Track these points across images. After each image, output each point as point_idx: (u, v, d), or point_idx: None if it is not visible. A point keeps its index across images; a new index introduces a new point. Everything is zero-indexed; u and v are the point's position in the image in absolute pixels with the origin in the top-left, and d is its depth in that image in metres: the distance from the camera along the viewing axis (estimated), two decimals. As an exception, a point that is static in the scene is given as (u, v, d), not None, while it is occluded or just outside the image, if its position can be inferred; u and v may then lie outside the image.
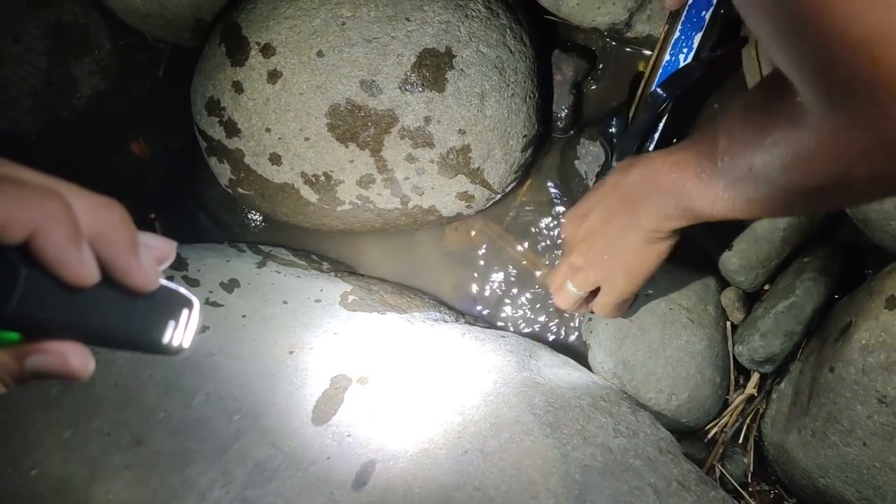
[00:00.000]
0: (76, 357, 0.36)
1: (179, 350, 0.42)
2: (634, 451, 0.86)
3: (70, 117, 1.23)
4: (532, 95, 1.02)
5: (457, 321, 1.07)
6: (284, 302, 1.04)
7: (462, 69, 0.97)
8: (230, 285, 1.06)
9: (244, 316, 1.02)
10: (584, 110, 1.12)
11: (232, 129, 1.03)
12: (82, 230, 0.34)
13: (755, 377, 1.02)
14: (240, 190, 1.09)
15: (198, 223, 1.22)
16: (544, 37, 1.08)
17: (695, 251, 1.07)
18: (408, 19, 0.96)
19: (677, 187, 0.72)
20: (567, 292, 0.90)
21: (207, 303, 1.04)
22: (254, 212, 1.20)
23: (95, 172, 1.24)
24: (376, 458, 0.87)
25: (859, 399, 0.83)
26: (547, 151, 1.13)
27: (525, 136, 1.03)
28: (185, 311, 0.42)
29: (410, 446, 0.88)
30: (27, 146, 1.22)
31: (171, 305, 0.41)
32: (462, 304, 1.14)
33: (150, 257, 0.38)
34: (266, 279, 1.07)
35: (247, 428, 0.91)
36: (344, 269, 1.16)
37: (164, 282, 0.40)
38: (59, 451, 0.90)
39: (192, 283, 1.06)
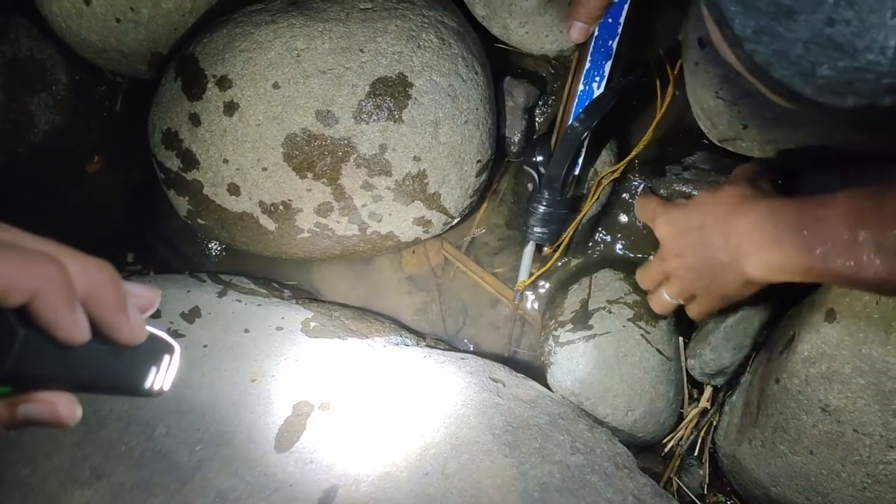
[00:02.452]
0: (65, 406, 0.39)
1: (160, 393, 0.45)
2: (591, 467, 0.88)
3: (27, 153, 1.23)
4: (485, 122, 1.05)
5: (417, 344, 1.09)
6: (246, 330, 1.05)
7: (416, 98, 0.99)
8: (191, 315, 1.07)
9: (205, 346, 1.03)
10: (536, 135, 1.15)
11: (190, 160, 1.04)
12: (76, 292, 0.36)
13: (708, 390, 1.05)
14: (199, 220, 1.10)
15: (158, 254, 1.22)
16: (496, 64, 1.11)
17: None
18: (361, 50, 0.99)
19: (813, 244, 0.68)
20: (662, 300, 0.95)
21: (168, 333, 1.04)
22: (213, 241, 1.20)
23: (54, 207, 1.24)
24: (339, 484, 0.88)
25: (804, 409, 0.86)
26: (502, 175, 1.16)
27: (479, 161, 1.05)
28: (166, 357, 0.45)
29: (372, 470, 0.89)
30: (-16, 182, 1.22)
31: (154, 352, 0.44)
32: (422, 327, 1.15)
33: (135, 310, 0.41)
34: (227, 308, 1.08)
35: (208, 458, 0.91)
36: (305, 295, 1.17)
37: (150, 329, 0.42)
38: (17, 488, 0.89)
39: (152, 314, 1.06)
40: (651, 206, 0.96)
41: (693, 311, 0.94)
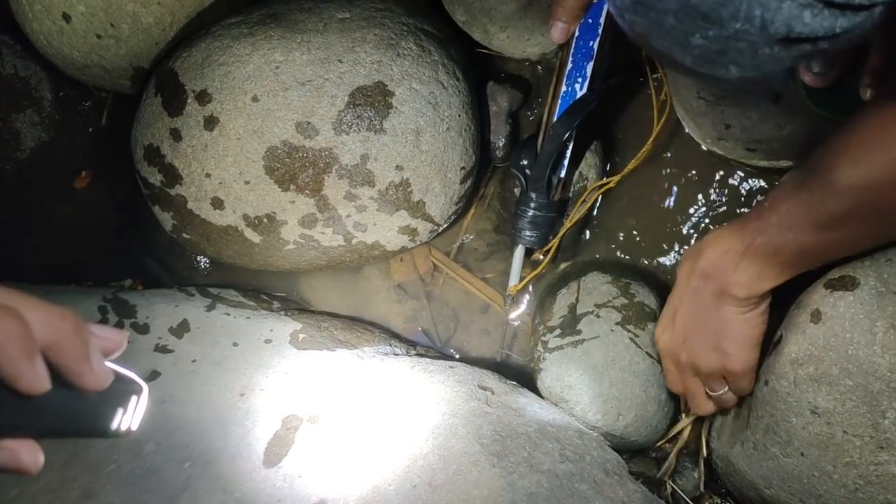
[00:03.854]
0: (26, 454, 0.39)
1: (128, 434, 0.45)
2: (580, 475, 0.87)
3: (14, 169, 1.23)
4: (468, 128, 1.04)
5: (407, 353, 1.08)
6: (234, 344, 1.05)
7: (396, 107, 0.99)
8: (180, 330, 1.07)
9: (194, 360, 1.03)
10: (521, 138, 1.14)
11: (172, 175, 1.04)
12: (36, 343, 0.37)
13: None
14: (184, 235, 1.10)
15: (146, 269, 1.22)
16: (478, 70, 1.10)
17: (634, 271, 1.09)
18: (340, 61, 0.98)
19: (774, 242, 0.76)
20: (710, 401, 0.94)
21: (157, 349, 1.04)
22: (200, 255, 1.20)
23: (42, 223, 1.24)
24: (327, 498, 0.87)
25: (793, 411, 0.85)
26: (488, 180, 1.15)
27: (463, 168, 1.05)
28: (133, 397, 0.44)
29: (361, 484, 0.88)
30: (-29, 201, 1.22)
31: (120, 393, 0.44)
32: (412, 336, 1.15)
33: (99, 356, 0.41)
34: (216, 322, 1.08)
35: (197, 475, 0.91)
36: (294, 306, 1.16)
37: (117, 368, 0.42)
38: (6, 510, 0.89)
39: (141, 329, 1.06)
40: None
41: (733, 392, 0.92)
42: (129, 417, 0.44)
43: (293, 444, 0.94)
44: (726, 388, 0.91)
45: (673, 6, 0.47)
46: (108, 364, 0.42)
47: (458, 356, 1.14)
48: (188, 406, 0.98)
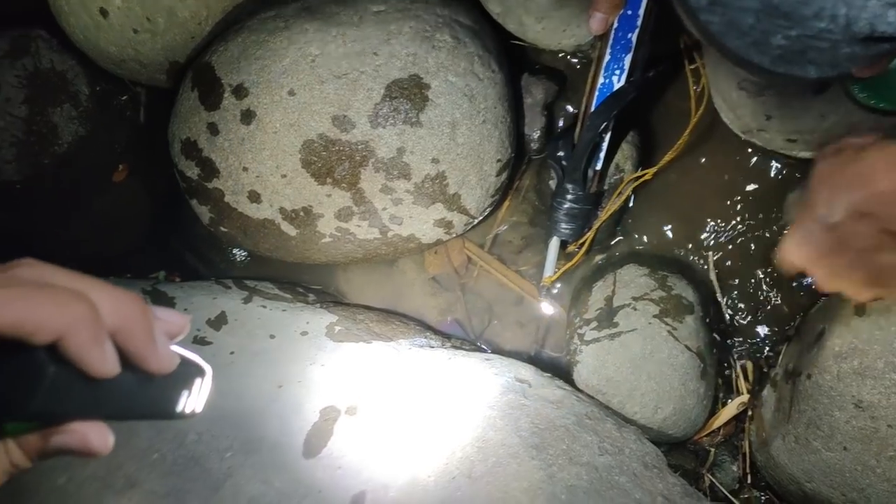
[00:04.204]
0: (96, 436, 0.39)
1: (193, 416, 0.45)
2: (619, 468, 0.87)
3: (53, 164, 1.24)
4: (503, 120, 1.04)
5: (442, 346, 1.09)
6: (271, 336, 1.06)
7: (432, 99, 0.98)
8: (218, 322, 1.08)
9: (232, 352, 1.04)
10: (556, 131, 1.13)
11: (210, 169, 1.05)
12: (105, 327, 0.37)
13: (741, 385, 1.03)
14: (221, 228, 1.11)
15: (184, 262, 1.23)
16: (513, 62, 1.09)
17: (670, 264, 1.08)
18: (375, 54, 0.98)
19: None
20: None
21: (195, 341, 1.05)
22: (237, 248, 1.21)
23: (81, 217, 1.25)
24: (367, 489, 0.88)
25: (837, 405, 0.84)
26: (523, 173, 1.15)
27: (499, 160, 1.04)
28: (198, 380, 0.45)
29: (400, 475, 0.89)
30: (12, 196, 1.24)
31: (185, 376, 0.44)
32: (447, 328, 1.15)
33: (164, 339, 0.41)
34: (253, 314, 1.09)
35: (238, 465, 0.92)
36: (329, 299, 1.17)
37: (180, 351, 0.43)
38: (54, 497, 0.91)
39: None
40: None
41: None
42: (194, 399, 0.45)
43: (332, 436, 0.95)
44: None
45: (754, 5, 0.46)
46: (173, 347, 0.43)
47: (492, 349, 1.14)
48: (227, 397, 0.99)
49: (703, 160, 1.09)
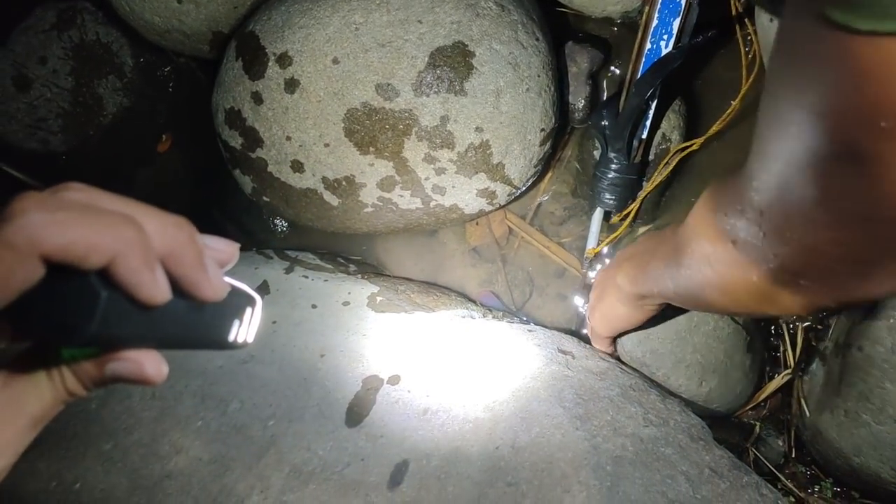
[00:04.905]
0: (151, 364, 0.39)
1: (244, 345, 0.45)
2: (665, 439, 0.86)
3: (97, 135, 1.26)
4: (547, 89, 1.02)
5: (484, 317, 1.08)
6: (313, 306, 1.06)
7: (476, 67, 0.97)
8: (260, 291, 1.07)
9: (274, 322, 1.04)
10: (601, 99, 1.12)
11: (253, 139, 1.05)
12: (155, 252, 0.36)
13: (788, 358, 1.01)
14: (264, 198, 1.11)
15: (225, 232, 1.24)
16: (557, 29, 1.08)
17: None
18: (419, 21, 0.97)
19: (650, 251, 0.83)
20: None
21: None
22: (279, 218, 1.21)
23: (124, 188, 1.27)
24: (409, 458, 0.88)
25: (889, 377, 0.82)
26: (566, 143, 1.13)
27: (543, 129, 1.03)
28: (248, 310, 0.44)
29: (443, 444, 0.89)
30: (57, 166, 1.25)
31: (236, 306, 0.44)
32: (492, 300, 1.14)
33: (215, 266, 0.40)
34: (294, 284, 1.09)
35: (281, 433, 0.92)
36: (370, 270, 1.17)
37: (230, 280, 0.42)
38: (100, 463, 0.92)
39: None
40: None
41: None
42: (245, 329, 0.44)
43: (374, 405, 0.95)
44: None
45: None
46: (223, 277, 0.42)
47: (533, 321, 1.13)
48: (270, 366, 0.99)
49: (752, 130, 1.06)
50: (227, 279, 0.42)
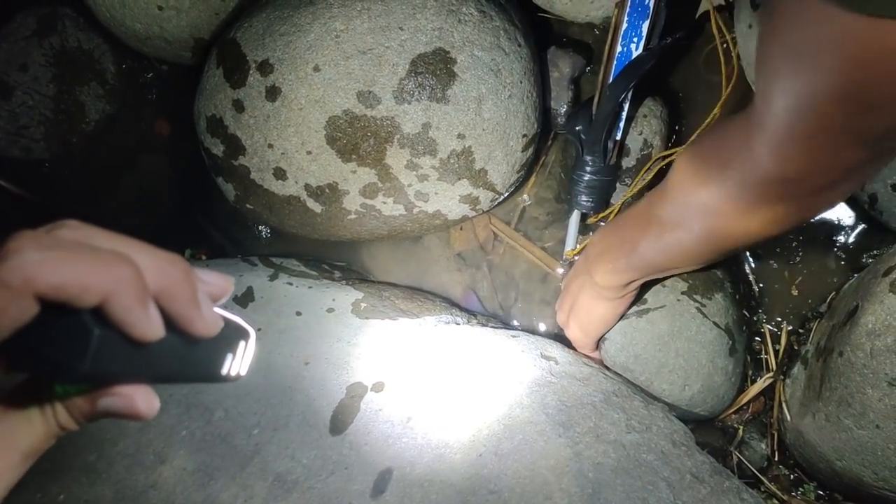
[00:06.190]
0: (142, 399, 0.39)
1: (237, 378, 0.45)
2: (647, 445, 0.87)
3: (80, 142, 1.25)
4: (529, 95, 1.02)
5: (468, 323, 1.08)
6: (298, 313, 1.06)
7: (457, 74, 0.97)
8: (244, 299, 1.08)
9: (259, 329, 1.04)
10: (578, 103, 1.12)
11: (235, 146, 1.05)
12: (149, 290, 0.37)
13: (771, 361, 1.02)
14: (247, 205, 1.11)
15: (209, 239, 1.24)
16: (539, 35, 1.08)
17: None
18: (401, 28, 0.97)
19: (625, 238, 0.86)
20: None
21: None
22: (263, 225, 1.21)
23: (108, 194, 1.26)
24: (393, 466, 0.88)
25: (869, 383, 0.83)
26: (549, 148, 1.14)
27: (525, 135, 1.03)
28: (242, 343, 0.45)
29: (426, 452, 0.89)
30: (41, 174, 1.25)
31: (229, 340, 0.44)
32: (473, 305, 1.15)
33: (208, 301, 0.41)
34: (279, 291, 1.09)
35: (266, 441, 0.92)
36: (355, 276, 1.17)
37: (223, 313, 0.43)
38: (85, 474, 0.92)
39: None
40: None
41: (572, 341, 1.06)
42: (238, 362, 0.45)
43: (358, 412, 0.95)
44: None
45: None
46: (216, 310, 0.42)
47: (518, 325, 1.13)
48: (255, 374, 0.98)
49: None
50: (221, 312, 0.42)
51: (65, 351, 0.35)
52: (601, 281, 0.92)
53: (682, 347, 0.97)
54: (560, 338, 1.08)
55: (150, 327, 0.37)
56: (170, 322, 0.39)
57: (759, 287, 1.06)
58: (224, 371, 0.44)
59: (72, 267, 0.34)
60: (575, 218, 1.08)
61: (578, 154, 1.05)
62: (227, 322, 0.43)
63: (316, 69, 0.98)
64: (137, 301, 0.36)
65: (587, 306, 0.97)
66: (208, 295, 0.41)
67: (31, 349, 0.35)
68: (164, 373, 0.40)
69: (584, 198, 1.06)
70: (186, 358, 0.41)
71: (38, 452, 0.41)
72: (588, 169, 1.03)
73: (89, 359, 0.35)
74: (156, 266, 0.37)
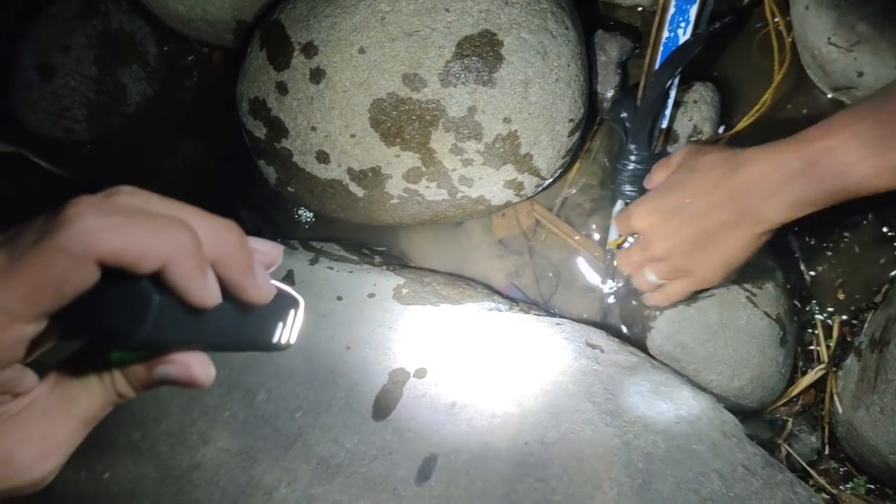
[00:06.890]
0: (199, 367, 0.39)
1: (288, 346, 0.46)
2: (697, 436, 0.85)
3: (121, 124, 1.25)
4: (577, 79, 1.01)
5: (511, 310, 1.07)
6: (339, 298, 1.05)
7: (504, 57, 0.96)
8: (285, 282, 1.07)
9: (300, 313, 1.03)
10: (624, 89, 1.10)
11: (278, 129, 1.04)
12: (207, 256, 0.36)
13: (823, 353, 1.00)
14: (288, 188, 1.10)
15: (249, 222, 1.23)
16: (586, 17, 1.06)
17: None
18: (447, 10, 0.95)
19: (828, 168, 0.71)
20: (647, 280, 0.95)
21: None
22: (303, 209, 1.21)
23: (148, 177, 1.26)
24: (438, 452, 0.87)
25: (929, 376, 0.80)
26: (595, 134, 1.12)
27: (571, 120, 1.01)
28: (292, 311, 0.45)
29: (471, 439, 0.88)
30: (83, 155, 1.25)
31: (280, 308, 0.44)
32: (515, 292, 1.13)
33: (262, 268, 0.41)
34: (319, 275, 1.09)
35: (308, 425, 0.92)
36: (395, 261, 1.16)
37: (274, 283, 0.42)
38: (129, 452, 0.92)
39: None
40: (625, 214, 0.95)
41: (677, 291, 0.93)
42: (289, 331, 0.45)
43: (401, 398, 0.94)
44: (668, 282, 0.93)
45: None
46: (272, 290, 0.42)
47: (560, 313, 1.12)
48: (296, 357, 0.99)
49: (787, 121, 1.04)
50: (272, 281, 0.42)
51: (124, 318, 0.34)
52: (779, 216, 0.78)
53: (732, 337, 0.95)
54: (604, 325, 1.06)
55: (209, 294, 0.36)
56: (224, 289, 0.38)
57: (810, 276, 1.04)
58: (275, 339, 0.44)
59: (132, 233, 0.33)
60: (619, 208, 1.07)
61: (623, 142, 1.03)
62: (279, 291, 0.43)
63: (361, 51, 0.97)
64: (196, 267, 0.35)
65: (736, 247, 0.84)
66: (261, 262, 0.41)
67: (90, 316, 0.34)
68: (218, 340, 0.40)
69: (627, 187, 1.04)
70: (240, 325, 0.41)
71: (96, 419, 0.41)
72: (632, 158, 1.01)
73: (149, 326, 0.35)
74: (212, 232, 0.37)
